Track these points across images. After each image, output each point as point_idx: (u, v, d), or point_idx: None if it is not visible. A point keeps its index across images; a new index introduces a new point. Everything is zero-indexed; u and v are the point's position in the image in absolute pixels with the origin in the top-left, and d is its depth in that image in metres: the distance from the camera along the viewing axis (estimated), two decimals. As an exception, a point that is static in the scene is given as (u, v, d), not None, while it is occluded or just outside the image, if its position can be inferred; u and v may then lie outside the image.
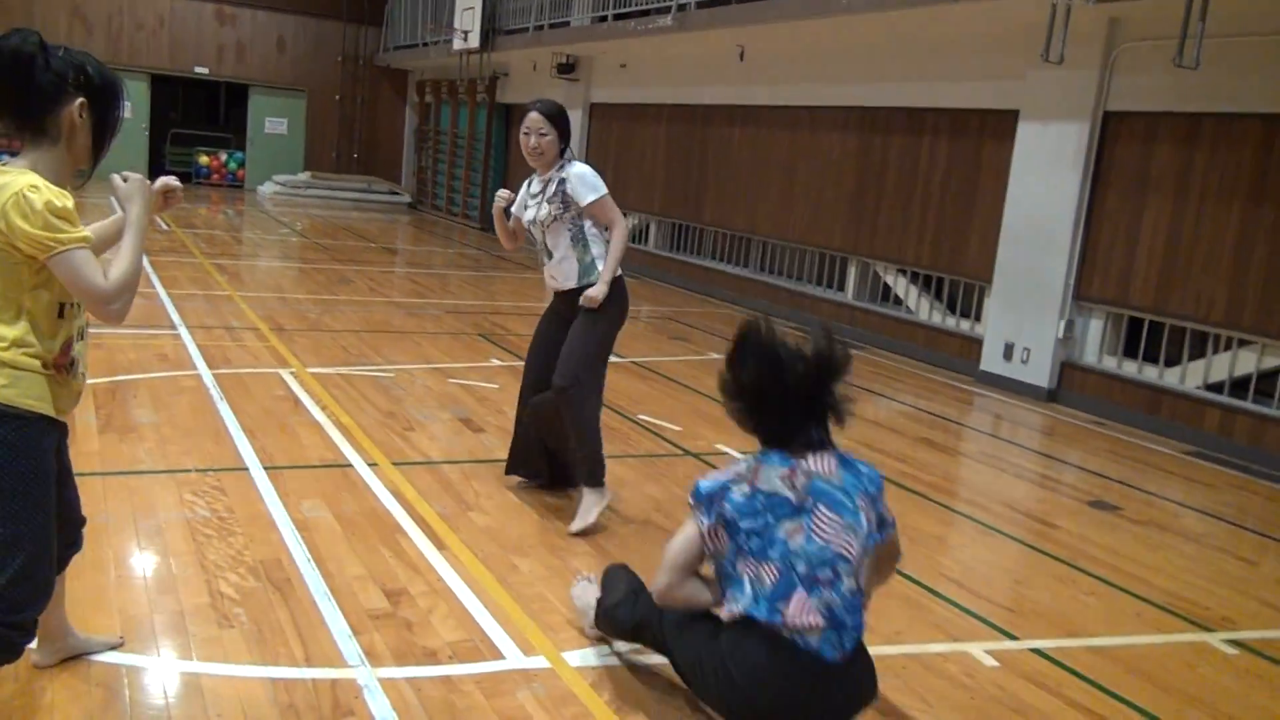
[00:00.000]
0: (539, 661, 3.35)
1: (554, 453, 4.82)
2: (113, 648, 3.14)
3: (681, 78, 13.61)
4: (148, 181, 2.65)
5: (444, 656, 3.32)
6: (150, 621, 3.34)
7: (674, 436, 6.24)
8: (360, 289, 10.72)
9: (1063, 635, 4.01)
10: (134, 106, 21.19)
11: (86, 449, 4.88)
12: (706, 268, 13.25)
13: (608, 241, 4.56)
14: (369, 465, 5.10)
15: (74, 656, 3.05)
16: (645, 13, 12.90)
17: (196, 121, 24.20)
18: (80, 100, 2.48)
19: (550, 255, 4.62)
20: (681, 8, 11.95)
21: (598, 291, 4.43)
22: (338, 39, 22.74)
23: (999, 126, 9.14)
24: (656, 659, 3.43)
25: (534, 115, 4.47)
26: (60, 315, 2.53)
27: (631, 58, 14.71)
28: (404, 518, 4.46)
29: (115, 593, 3.50)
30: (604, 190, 4.52)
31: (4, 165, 2.48)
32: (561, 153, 4.55)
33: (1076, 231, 8.35)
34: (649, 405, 6.90)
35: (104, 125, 2.54)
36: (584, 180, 4.50)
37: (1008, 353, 8.82)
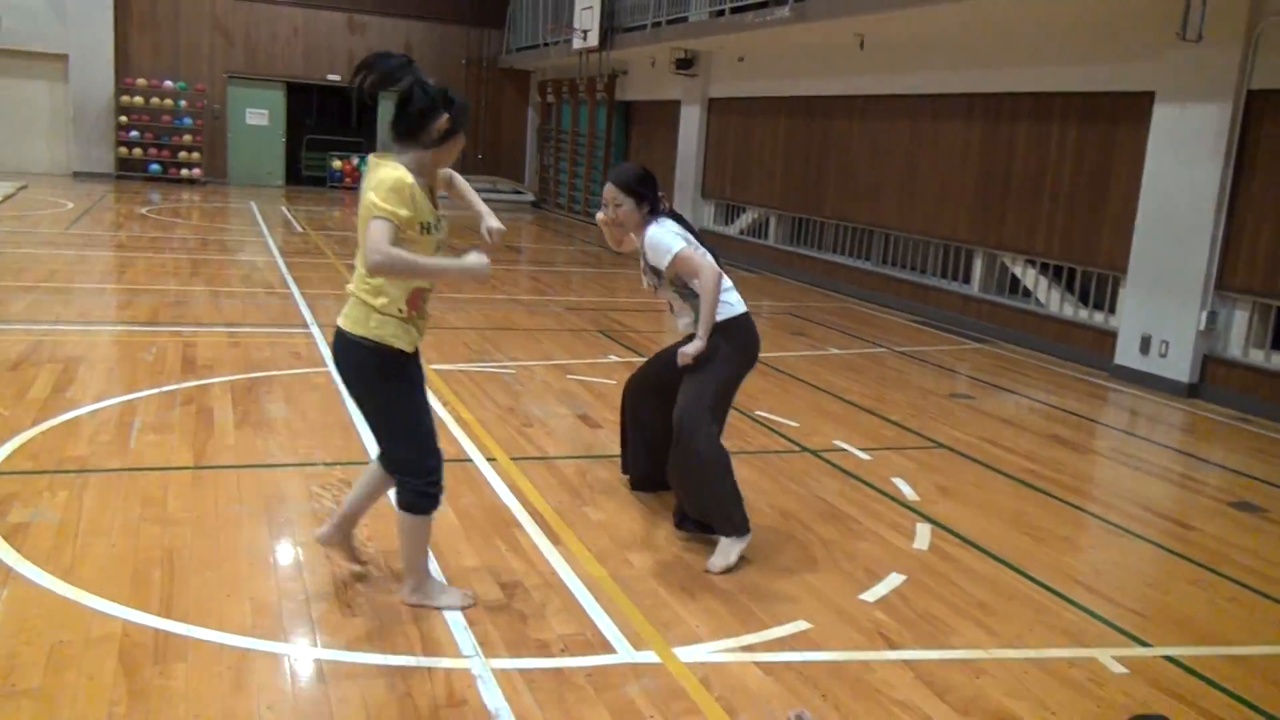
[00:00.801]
0: (649, 656, 3.37)
1: (656, 458, 4.74)
2: (364, 567, 3.79)
3: (800, 69, 13.46)
4: (485, 268, 3.34)
5: (555, 649, 3.36)
6: (278, 608, 3.48)
7: (791, 433, 6.18)
8: (483, 287, 10.93)
9: (1199, 643, 3.82)
10: (271, 114, 22.11)
11: (223, 443, 5.12)
12: (827, 261, 13.08)
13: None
14: (488, 460, 5.20)
15: (340, 550, 3.72)
16: (763, 4, 12.78)
17: (330, 127, 25.05)
18: (445, 116, 3.27)
19: (670, 308, 4.49)
20: (800, -2, 11.81)
21: (693, 349, 4.16)
22: (462, 43, 23.24)
23: (1133, 109, 8.75)
24: (767, 656, 3.41)
25: (608, 186, 4.31)
26: None
27: (749, 51, 14.62)
28: (520, 512, 4.54)
29: (247, 580, 3.66)
30: (676, 248, 4.19)
31: (385, 156, 3.30)
32: (652, 211, 4.33)
33: (1218, 217, 7.93)
34: (766, 401, 6.85)
35: (457, 135, 3.33)
36: (655, 247, 4.24)
37: (1144, 346, 8.45)
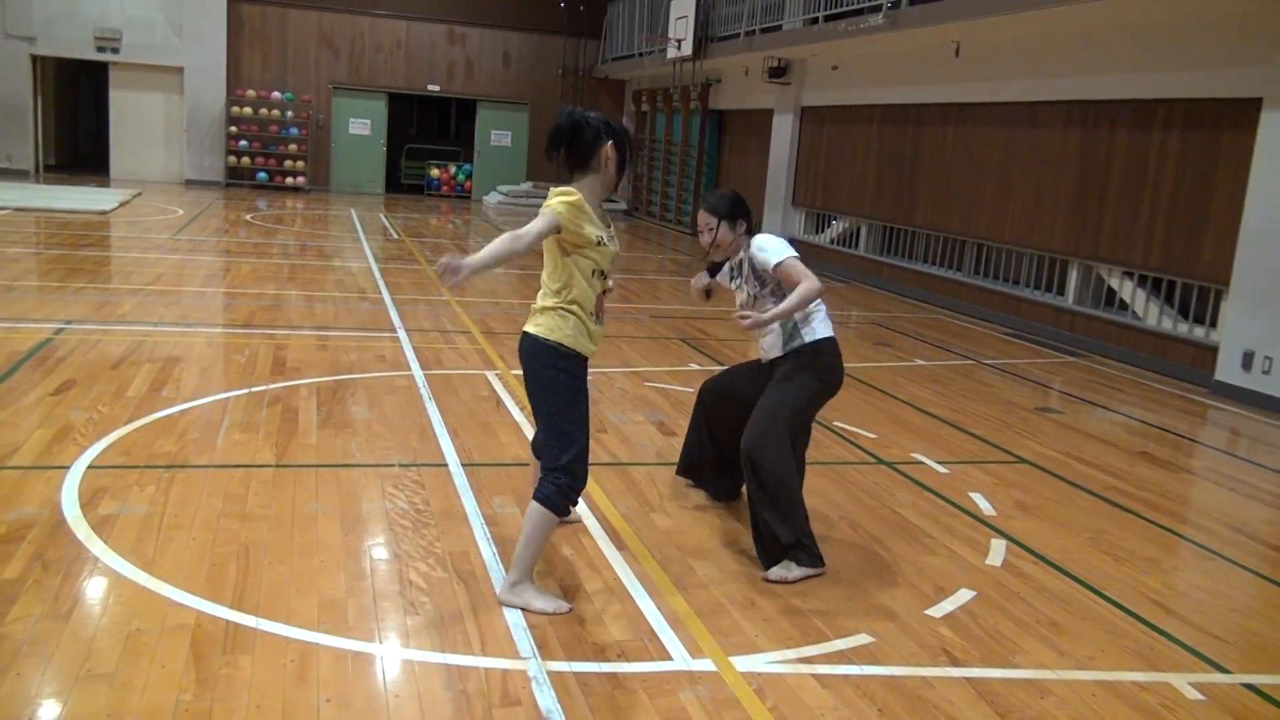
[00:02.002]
0: (705, 664, 3.36)
1: (726, 464, 4.81)
2: (574, 522, 4.42)
3: (893, 77, 13.29)
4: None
5: (612, 654, 3.38)
6: (345, 605, 3.57)
7: (869, 444, 6.10)
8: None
9: (1284, 671, 3.66)
10: (373, 124, 22.71)
11: (305, 442, 5.28)
12: (918, 271, 12.87)
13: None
14: (560, 465, 5.24)
15: None
16: (857, 12, 12.68)
17: (429, 136, 25.63)
18: (609, 143, 3.63)
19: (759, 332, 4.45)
20: (894, 5, 11.68)
21: (754, 315, 4.16)
22: (558, 53, 23.54)
23: (1239, 116, 8.43)
24: (825, 668, 3.38)
25: (701, 213, 4.47)
26: (593, 275, 3.68)
27: (843, 59, 14.50)
28: (587, 517, 4.57)
29: (318, 576, 3.77)
30: (788, 253, 4.23)
31: (565, 188, 3.64)
32: (748, 231, 4.42)
33: (1329, 229, 7.59)
34: (845, 411, 6.77)
35: (623, 160, 3.68)
36: (763, 247, 4.27)
37: (1247, 362, 8.11)
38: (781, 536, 4.11)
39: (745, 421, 4.34)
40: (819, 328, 4.30)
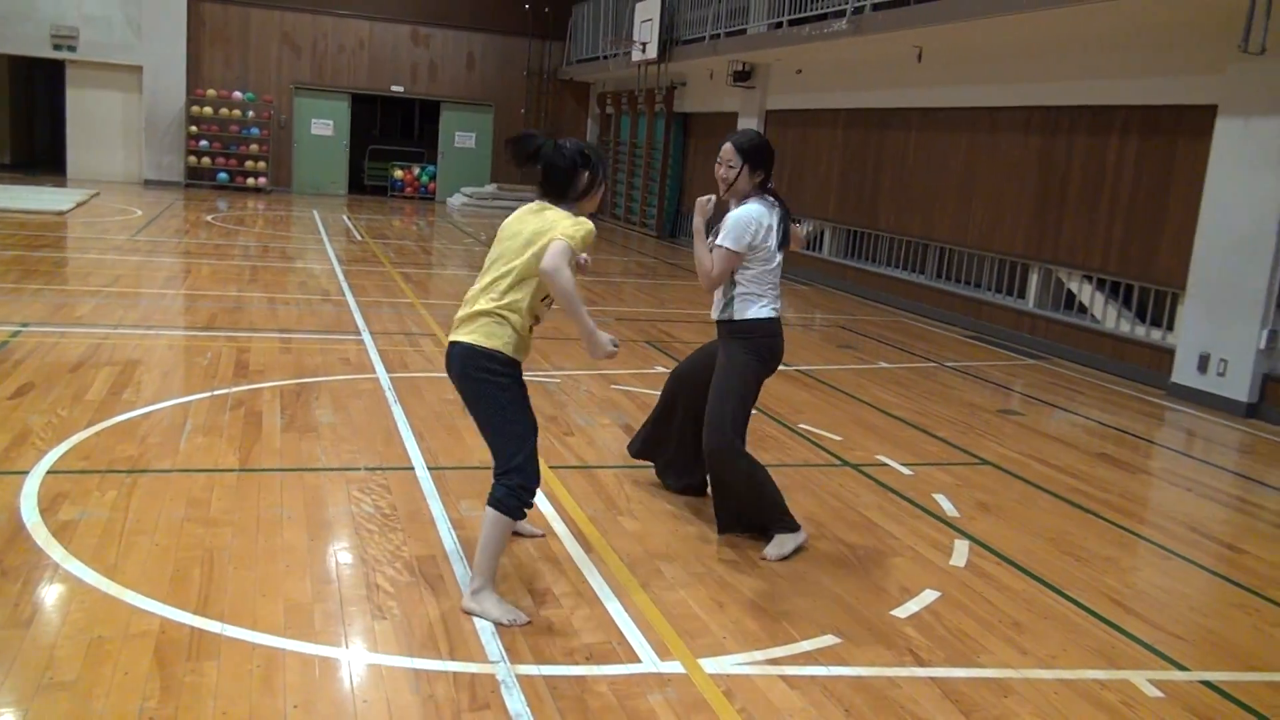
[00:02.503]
0: (674, 666, 3.38)
1: (686, 459, 4.90)
2: (539, 536, 4.33)
3: (857, 82, 13.40)
4: (607, 349, 3.76)
5: (581, 657, 3.39)
6: (311, 610, 3.55)
7: (833, 447, 6.14)
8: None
9: (1240, 668, 3.73)
10: (335, 124, 22.55)
11: (269, 446, 5.23)
12: (881, 274, 12.98)
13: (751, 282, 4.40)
14: (527, 468, 5.24)
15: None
16: (821, 17, 12.77)
17: (392, 137, 25.48)
18: (586, 174, 3.70)
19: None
20: (858, 11, 11.78)
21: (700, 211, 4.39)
22: (523, 55, 23.50)
23: (1194, 123, 8.58)
24: (793, 670, 3.41)
25: (727, 146, 4.41)
26: (543, 300, 3.70)
27: (807, 63, 14.59)
28: (555, 520, 4.57)
29: (283, 581, 3.74)
30: (736, 246, 4.29)
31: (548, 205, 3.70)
32: (761, 185, 4.41)
33: (1282, 234, 7.74)
34: (810, 414, 6.82)
35: (596, 188, 3.74)
36: (731, 224, 4.35)
37: (1203, 364, 8.26)
38: (766, 516, 4.40)
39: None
40: (755, 308, 4.40)
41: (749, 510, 4.47)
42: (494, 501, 3.61)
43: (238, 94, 21.33)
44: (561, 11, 23.40)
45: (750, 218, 4.35)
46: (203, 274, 10.56)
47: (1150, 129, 9.10)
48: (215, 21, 21.29)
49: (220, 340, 7.54)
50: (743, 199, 4.44)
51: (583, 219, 3.63)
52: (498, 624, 3.55)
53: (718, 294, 4.48)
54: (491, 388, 3.64)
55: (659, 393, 7.02)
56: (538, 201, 3.74)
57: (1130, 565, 4.72)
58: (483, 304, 3.66)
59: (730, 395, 4.38)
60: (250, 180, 21.39)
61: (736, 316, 4.43)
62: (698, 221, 4.44)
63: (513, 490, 3.60)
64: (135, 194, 18.78)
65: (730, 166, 4.40)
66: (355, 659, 3.26)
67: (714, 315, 4.54)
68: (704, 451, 4.42)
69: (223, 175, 21.20)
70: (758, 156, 4.39)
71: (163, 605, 3.47)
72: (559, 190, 3.70)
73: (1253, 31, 7.19)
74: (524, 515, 3.69)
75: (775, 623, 3.76)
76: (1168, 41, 8.81)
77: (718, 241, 4.37)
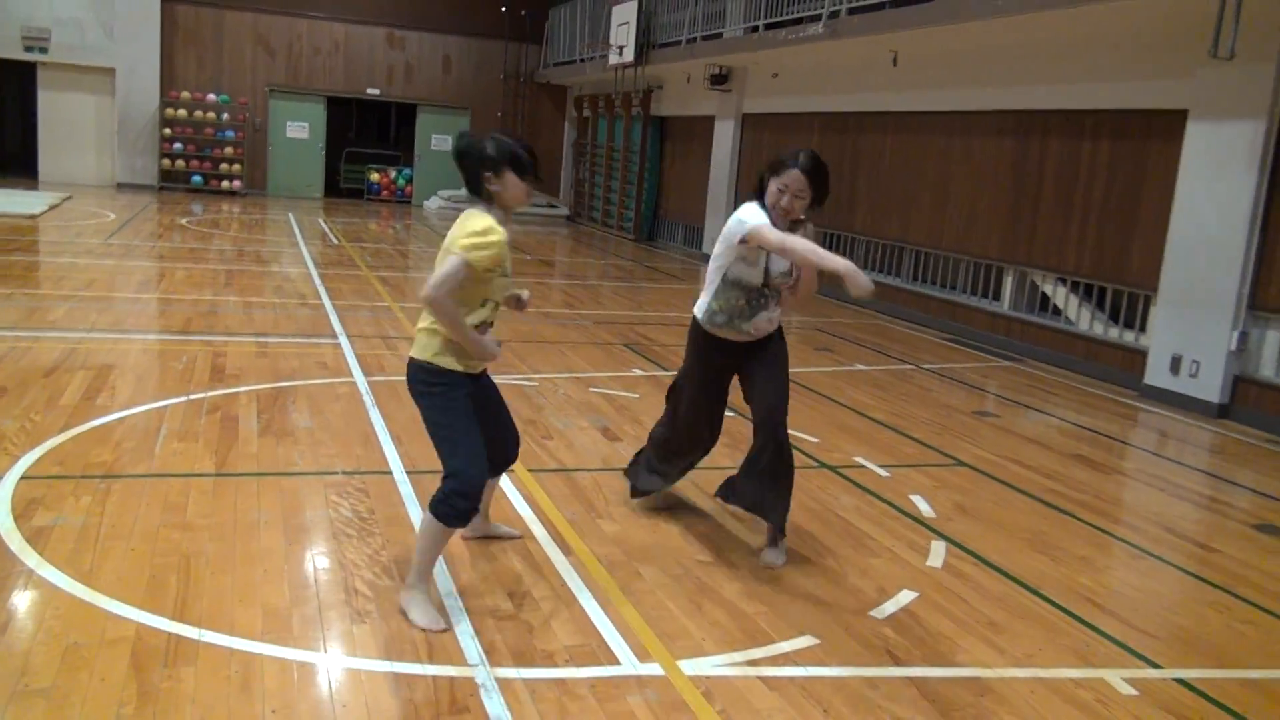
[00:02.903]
0: (653, 668, 3.39)
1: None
2: (516, 538, 4.33)
3: (833, 86, 13.47)
4: (494, 354, 3.68)
5: (561, 659, 3.39)
6: (289, 614, 3.53)
7: (811, 449, 6.17)
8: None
9: (1212, 665, 3.78)
10: (311, 127, 22.44)
11: (246, 451, 5.21)
12: (858, 277, 13.01)
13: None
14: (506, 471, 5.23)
15: (484, 537, 4.27)
16: (797, 21, 12.83)
17: (369, 140, 25.39)
18: (489, 173, 3.56)
19: (778, 300, 4.36)
20: (833, 15, 11.84)
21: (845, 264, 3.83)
22: (499, 58, 23.47)
23: (1165, 127, 8.68)
24: (772, 670, 3.42)
25: (797, 175, 4.07)
26: (481, 305, 3.61)
27: (783, 67, 14.65)
28: (534, 523, 4.57)
29: (260, 586, 3.72)
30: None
31: (475, 207, 3.64)
32: (811, 204, 4.19)
33: (1251, 236, 7.84)
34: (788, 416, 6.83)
35: (504, 179, 3.58)
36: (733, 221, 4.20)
37: (1175, 366, 8.35)
38: (785, 513, 4.39)
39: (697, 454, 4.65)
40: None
41: (787, 495, 4.43)
42: (430, 504, 3.60)
43: (212, 96, 21.19)
44: (538, 14, 23.39)
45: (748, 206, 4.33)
46: (177, 278, 10.49)
47: (1122, 133, 9.19)
48: (189, 23, 21.15)
49: (195, 344, 7.49)
50: (788, 225, 4.22)
51: (490, 233, 3.49)
52: (415, 626, 3.49)
53: (775, 308, 4.38)
54: (425, 398, 3.64)
55: (638, 395, 7.04)
56: (470, 207, 3.68)
57: (1104, 565, 4.76)
58: (421, 320, 3.68)
59: (788, 384, 4.41)
60: (225, 183, 21.26)
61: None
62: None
63: (445, 496, 3.55)
64: (108, 197, 18.63)
65: (802, 199, 4.12)
66: (334, 663, 3.25)
67: (774, 327, 4.40)
68: (771, 429, 4.30)
69: (197, 178, 21.06)
70: (823, 195, 4.15)
71: (139, 611, 3.45)
72: (472, 188, 3.64)
73: (1221, 37, 7.28)
74: (460, 523, 3.60)
75: (754, 624, 3.78)
76: (1139, 47, 8.91)
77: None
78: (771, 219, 4.13)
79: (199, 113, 21.04)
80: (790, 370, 4.49)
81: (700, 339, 4.46)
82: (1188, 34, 8.17)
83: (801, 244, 3.97)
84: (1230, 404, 8.00)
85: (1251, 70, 7.70)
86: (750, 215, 4.16)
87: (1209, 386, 8.05)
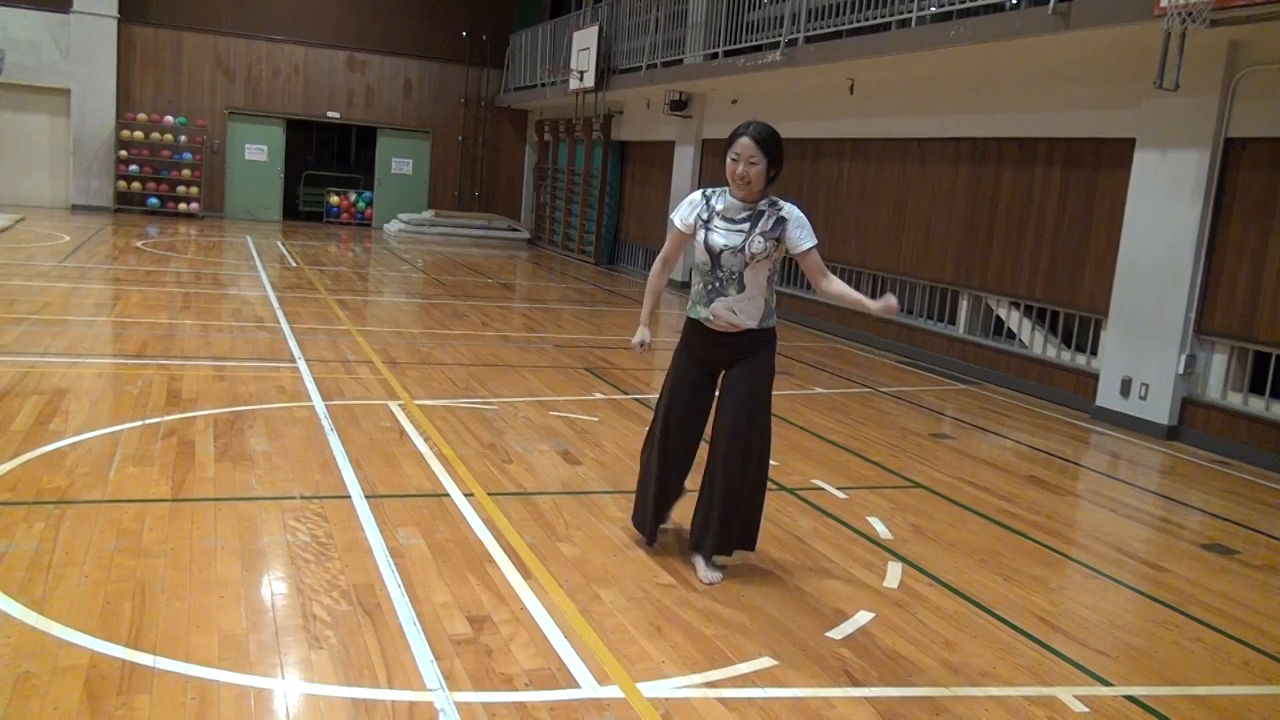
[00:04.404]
0: (613, 691, 3.40)
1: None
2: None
3: (792, 112, 13.63)
4: None
5: (520, 683, 3.39)
6: (246, 641, 3.51)
7: (770, 471, 6.19)
8: (473, 323, 11.02)
9: (1161, 683, 3.85)
10: (270, 149, 22.33)
11: (203, 475, 5.16)
12: (816, 301, 13.17)
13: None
14: (465, 495, 5.24)
15: None
16: (756, 49, 13.00)
17: (328, 163, 25.28)
18: None
19: (740, 289, 4.31)
20: (791, 43, 12.01)
21: (884, 302, 4.15)
22: (460, 82, 23.51)
23: (1115, 155, 8.89)
24: (730, 692, 3.44)
25: (746, 141, 4.21)
26: None
27: (742, 93, 14.82)
28: (494, 547, 4.57)
29: (216, 613, 3.69)
30: (815, 240, 4.33)
31: None
32: (771, 181, 4.31)
33: (1197, 262, 8.04)
34: (747, 439, 6.89)
35: None
36: (803, 225, 4.30)
37: (1125, 388, 8.52)
38: (754, 524, 4.50)
39: (694, 442, 4.59)
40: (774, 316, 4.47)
41: (757, 508, 4.56)
42: None
43: (169, 118, 21.04)
44: (499, 39, 23.49)
45: (801, 211, 4.40)
46: (133, 301, 10.38)
47: (1073, 161, 9.39)
48: (146, 45, 21.01)
49: (151, 368, 7.42)
50: (754, 198, 4.33)
51: None
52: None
53: (758, 301, 4.35)
54: None
55: (598, 419, 7.06)
56: None
57: (1058, 584, 4.84)
58: None
59: (765, 392, 4.44)
60: (182, 205, 21.08)
61: (772, 323, 4.45)
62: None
63: None
64: (62, 219, 18.40)
65: (752, 163, 4.22)
66: (291, 689, 3.23)
67: (753, 324, 4.35)
68: (737, 441, 4.32)
69: (153, 200, 20.86)
70: (777, 156, 4.26)
71: (93, 639, 3.41)
72: None
73: (1166, 69, 7.48)
74: None
75: (713, 645, 3.80)
76: (1089, 77, 9.12)
77: (809, 246, 4.31)
78: (731, 191, 4.36)
79: (156, 134, 20.86)
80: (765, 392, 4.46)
81: (685, 323, 4.57)
82: (1134, 65, 8.38)
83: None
84: (1179, 426, 8.17)
85: (1195, 101, 7.92)
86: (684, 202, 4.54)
87: (1158, 409, 8.22)
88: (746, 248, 4.29)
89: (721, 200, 4.41)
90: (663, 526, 4.83)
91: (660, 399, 4.63)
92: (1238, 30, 7.34)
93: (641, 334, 4.65)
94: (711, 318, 4.36)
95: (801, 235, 4.31)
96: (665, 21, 15.83)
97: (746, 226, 4.32)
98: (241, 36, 21.70)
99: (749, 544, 4.59)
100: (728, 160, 4.31)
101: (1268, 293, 7.64)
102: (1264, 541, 5.77)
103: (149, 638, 3.45)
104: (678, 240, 4.56)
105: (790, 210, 4.35)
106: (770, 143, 4.25)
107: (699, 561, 4.49)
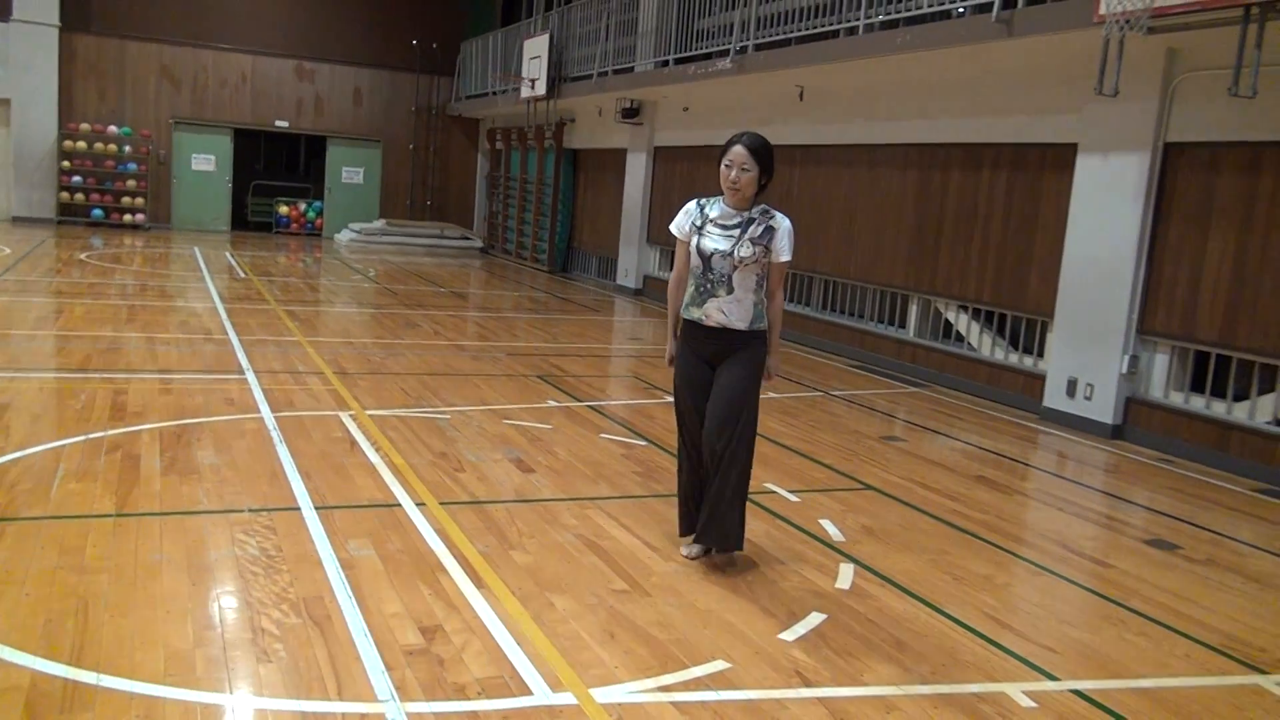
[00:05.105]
0: (566, 698, 3.39)
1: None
2: None
3: (742, 119, 13.70)
4: None
5: (472, 692, 3.38)
6: (193, 656, 3.46)
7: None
8: (425, 333, 10.96)
9: (1106, 676, 3.92)
10: (218, 159, 22.05)
11: (148, 490, 5.08)
12: (769, 307, 13.23)
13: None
14: (417, 505, 5.21)
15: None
16: (706, 56, 13.07)
17: (277, 173, 25.03)
18: None
19: (729, 290, 4.51)
20: (741, 50, 12.09)
21: (778, 367, 4.70)
22: (411, 90, 23.39)
23: (1058, 160, 9.05)
24: (684, 695, 3.45)
25: (739, 149, 4.46)
26: None
27: (693, 101, 14.88)
28: (446, 556, 4.55)
29: (162, 628, 3.64)
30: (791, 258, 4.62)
31: None
32: (762, 188, 4.53)
33: (1139, 264, 8.20)
34: (700, 444, 6.91)
35: None
36: (789, 238, 4.55)
37: (1071, 389, 8.66)
38: (740, 520, 4.64)
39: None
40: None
41: (740, 503, 4.69)
42: None
43: (113, 128, 20.71)
44: (450, 47, 23.41)
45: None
46: (76, 314, 10.20)
47: (1018, 166, 9.55)
48: (89, 54, 20.67)
49: (95, 382, 7.29)
50: (745, 205, 4.55)
51: None
52: None
53: (748, 304, 4.54)
54: None
55: (551, 426, 7.05)
56: None
57: (1005, 582, 4.91)
58: None
59: (751, 393, 4.58)
60: (127, 217, 20.75)
61: (762, 326, 4.61)
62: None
63: None
64: (3, 231, 18.03)
65: (744, 169, 4.46)
66: (240, 704, 3.19)
67: (742, 325, 4.54)
68: (721, 443, 4.52)
69: (98, 212, 20.53)
70: (769, 165, 4.50)
71: (34, 658, 3.34)
72: None
73: (1106, 75, 7.63)
74: None
75: (666, 650, 3.81)
76: (1033, 83, 9.28)
77: (785, 259, 4.54)
78: (725, 198, 4.59)
79: (100, 144, 20.54)
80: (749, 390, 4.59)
81: (683, 324, 4.73)
82: (1076, 71, 8.54)
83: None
84: (1123, 424, 8.32)
85: (1135, 106, 8.08)
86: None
87: (1103, 408, 8.37)
88: (735, 252, 4.51)
89: (716, 207, 4.64)
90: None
91: (675, 404, 4.79)
92: (1175, 37, 7.51)
93: (670, 348, 4.84)
94: (704, 317, 4.60)
95: (784, 247, 4.56)
96: (616, 29, 15.87)
97: (737, 233, 4.54)
98: (187, 45, 21.43)
99: (730, 544, 4.70)
100: (721, 167, 4.54)
101: (1206, 293, 7.81)
102: (1206, 537, 5.89)
103: (92, 655, 3.39)
104: (683, 251, 4.73)
105: (781, 221, 4.59)
106: (762, 151, 4.49)
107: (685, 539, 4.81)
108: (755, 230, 4.52)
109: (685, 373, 4.70)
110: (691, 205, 4.72)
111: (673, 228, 4.75)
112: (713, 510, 4.62)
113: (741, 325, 4.55)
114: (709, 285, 4.55)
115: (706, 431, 4.57)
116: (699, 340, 4.64)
